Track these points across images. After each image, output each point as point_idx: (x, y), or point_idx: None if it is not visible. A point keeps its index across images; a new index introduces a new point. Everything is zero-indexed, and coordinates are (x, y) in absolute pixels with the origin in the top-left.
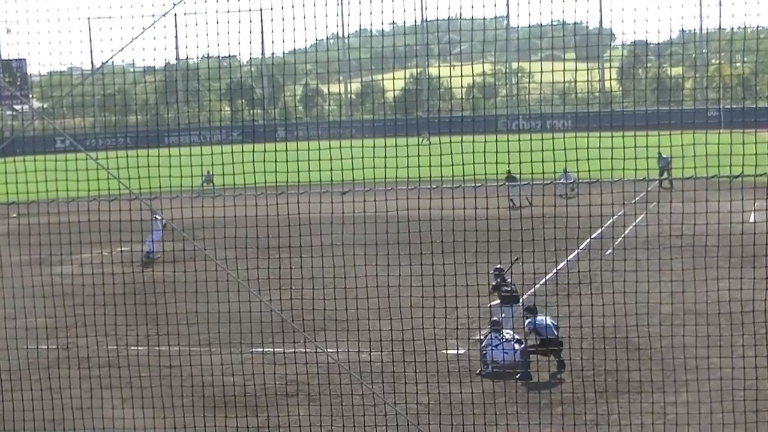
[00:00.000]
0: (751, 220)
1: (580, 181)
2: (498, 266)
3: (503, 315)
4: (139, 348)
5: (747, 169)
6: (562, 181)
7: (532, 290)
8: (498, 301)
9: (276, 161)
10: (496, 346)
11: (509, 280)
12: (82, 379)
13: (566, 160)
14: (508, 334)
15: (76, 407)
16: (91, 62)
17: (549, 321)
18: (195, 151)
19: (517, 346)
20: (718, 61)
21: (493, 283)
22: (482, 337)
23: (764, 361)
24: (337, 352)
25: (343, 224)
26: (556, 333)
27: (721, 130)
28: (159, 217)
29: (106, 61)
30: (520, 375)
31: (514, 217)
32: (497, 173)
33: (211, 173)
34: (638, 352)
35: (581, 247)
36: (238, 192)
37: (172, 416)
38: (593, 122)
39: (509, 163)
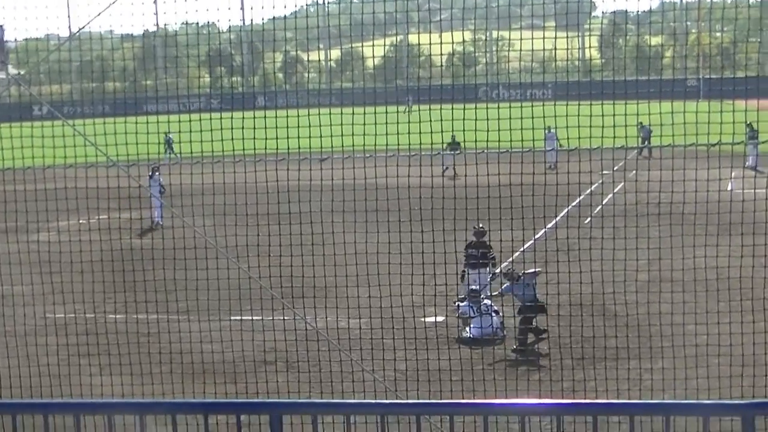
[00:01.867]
0: (729, 188)
1: (560, 148)
2: (480, 225)
3: (480, 282)
4: (117, 316)
5: (725, 138)
6: (548, 148)
7: (511, 258)
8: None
9: (255, 128)
10: (473, 317)
11: (487, 241)
12: (59, 347)
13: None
14: (485, 303)
15: (54, 374)
16: (69, 28)
17: (530, 284)
18: (174, 119)
19: (494, 315)
20: (697, 31)
21: (470, 240)
22: (459, 305)
23: (739, 327)
24: (316, 319)
25: (321, 191)
26: (536, 296)
27: (699, 100)
28: (158, 173)
29: (83, 27)
30: (516, 347)
31: (494, 185)
32: (476, 140)
33: (170, 136)
34: (615, 319)
35: (560, 216)
36: (217, 160)
37: (150, 383)
38: (573, 91)
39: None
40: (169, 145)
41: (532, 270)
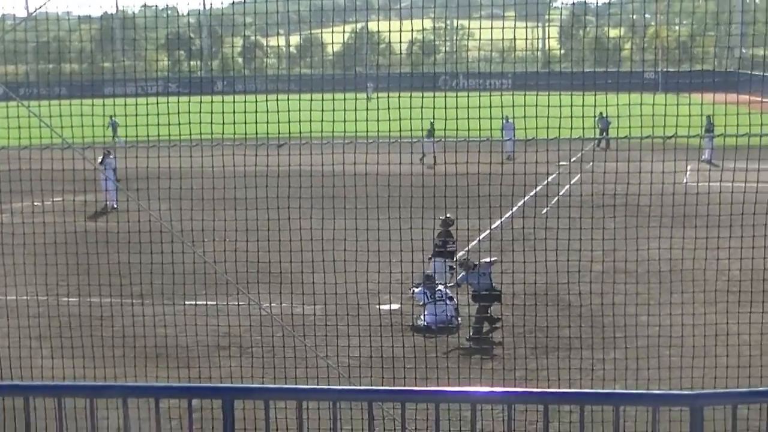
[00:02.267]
0: (684, 181)
1: (516, 139)
2: (448, 216)
3: (437, 270)
4: (71, 299)
5: (681, 130)
6: (505, 138)
7: (468, 247)
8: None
9: (212, 113)
10: (427, 303)
11: (452, 232)
12: (10, 329)
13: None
14: (440, 290)
15: (4, 357)
16: (26, 8)
17: (486, 273)
18: (131, 102)
19: (449, 302)
20: (656, 24)
21: (439, 230)
22: (414, 291)
23: (691, 319)
24: (271, 305)
25: (278, 177)
26: (492, 285)
27: (658, 92)
28: (111, 156)
29: (40, 7)
30: (471, 336)
31: (451, 174)
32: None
33: (115, 120)
34: (569, 310)
35: (517, 206)
36: (174, 144)
37: (102, 367)
38: (533, 81)
39: (455, 119)
40: (114, 128)
41: (488, 259)
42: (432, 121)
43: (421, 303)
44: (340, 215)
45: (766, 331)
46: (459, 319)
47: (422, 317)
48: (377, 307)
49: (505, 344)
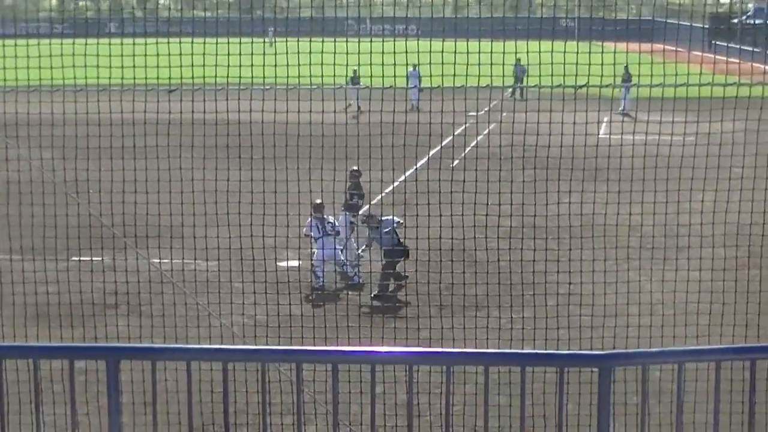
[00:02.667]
0: (600, 133)
1: (421, 87)
2: (354, 168)
3: (343, 224)
4: None
5: (597, 80)
6: (410, 86)
7: (371, 202)
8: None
9: (98, 56)
10: (317, 237)
11: (362, 185)
12: None
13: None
14: (330, 223)
15: None
16: None
17: (393, 222)
18: (10, 44)
19: (339, 235)
20: None
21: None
22: (313, 251)
23: (602, 276)
24: (161, 261)
25: (169, 125)
26: (400, 241)
27: (573, 40)
28: None
29: None
30: (376, 294)
31: (353, 122)
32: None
33: None
34: (477, 266)
35: (425, 158)
36: (57, 88)
37: None
38: (442, 27)
39: (359, 65)
40: None
41: (391, 217)
42: (356, 68)
43: (311, 237)
44: (235, 166)
45: (680, 289)
46: (361, 276)
47: (320, 273)
48: (275, 263)
49: (411, 303)
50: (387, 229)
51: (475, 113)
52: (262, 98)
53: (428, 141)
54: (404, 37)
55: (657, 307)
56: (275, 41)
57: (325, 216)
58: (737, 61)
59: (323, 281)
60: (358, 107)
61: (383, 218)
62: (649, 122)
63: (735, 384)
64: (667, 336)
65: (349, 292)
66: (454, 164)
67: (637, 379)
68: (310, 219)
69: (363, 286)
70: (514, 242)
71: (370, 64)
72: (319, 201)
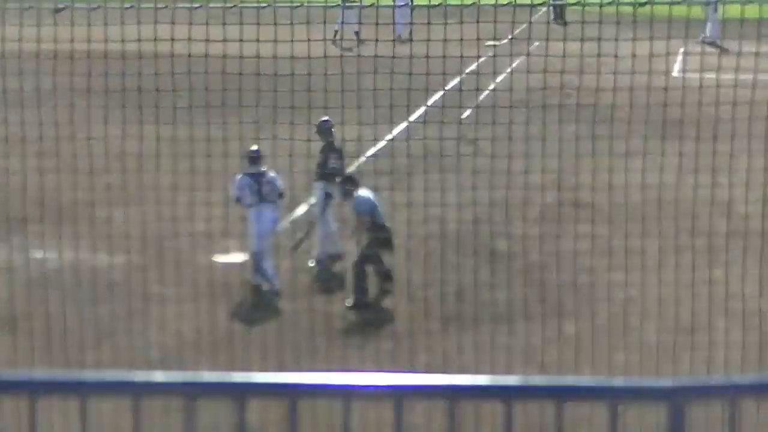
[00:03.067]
0: (674, 71)
1: (415, 5)
2: (325, 119)
3: (317, 200)
4: None
5: None
6: (401, 2)
7: (356, 164)
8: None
9: None
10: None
11: (337, 144)
12: None
13: None
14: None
15: None
16: None
17: (371, 199)
18: None
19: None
20: None
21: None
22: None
23: (673, 274)
24: (45, 254)
25: (55, 59)
26: (382, 223)
27: None
28: None
29: None
30: (354, 303)
31: (317, 56)
32: None
33: None
34: (493, 261)
35: (425, 106)
36: None
37: None
38: None
39: None
40: None
41: (370, 195)
42: None
43: (243, 202)
44: (151, 118)
45: None
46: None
47: (267, 272)
48: (211, 259)
49: (403, 315)
50: (362, 210)
51: (493, 42)
52: (205, 21)
53: (426, 83)
54: None
55: (753, 318)
56: None
57: (263, 170)
58: None
59: (272, 277)
60: (357, 33)
61: (357, 194)
62: (742, 54)
63: None
64: (767, 360)
65: (318, 296)
66: (464, 116)
67: (723, 421)
68: (239, 176)
69: (335, 287)
70: (548, 227)
71: None
72: (255, 147)
